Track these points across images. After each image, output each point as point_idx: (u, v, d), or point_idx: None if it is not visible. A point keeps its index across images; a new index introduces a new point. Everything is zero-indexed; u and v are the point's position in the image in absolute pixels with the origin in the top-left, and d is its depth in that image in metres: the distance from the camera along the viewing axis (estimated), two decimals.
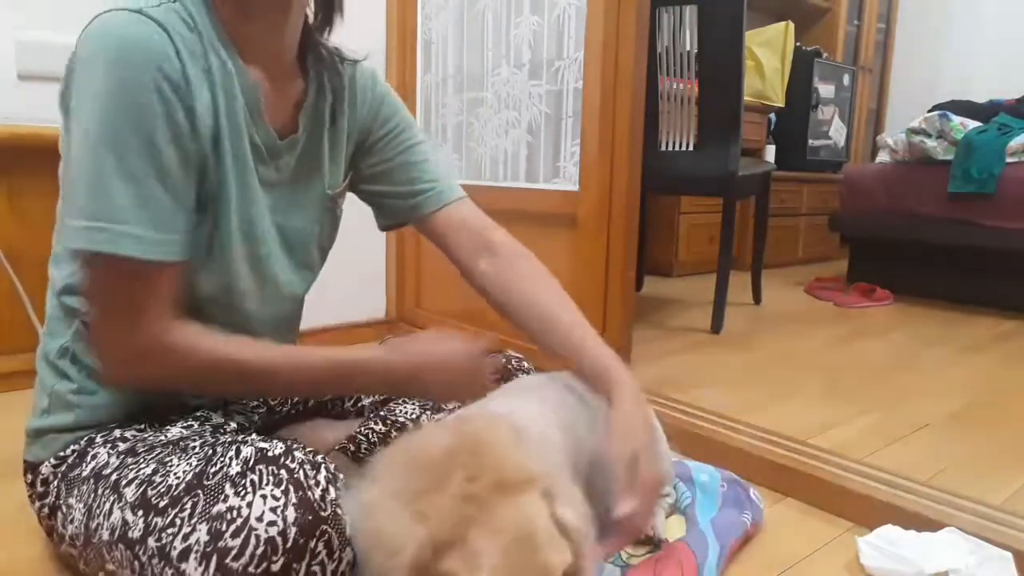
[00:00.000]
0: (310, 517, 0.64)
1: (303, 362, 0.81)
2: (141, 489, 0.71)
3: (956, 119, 2.77)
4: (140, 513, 0.69)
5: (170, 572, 0.64)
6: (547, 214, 1.68)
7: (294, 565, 0.63)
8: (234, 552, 0.62)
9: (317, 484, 0.66)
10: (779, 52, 3.40)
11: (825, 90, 3.89)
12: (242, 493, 0.65)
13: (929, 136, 2.82)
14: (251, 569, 0.61)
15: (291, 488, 0.65)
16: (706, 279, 2.56)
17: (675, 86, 2.15)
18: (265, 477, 0.66)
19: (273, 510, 0.63)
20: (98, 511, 0.73)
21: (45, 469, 0.82)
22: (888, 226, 2.94)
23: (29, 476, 0.84)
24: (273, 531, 0.62)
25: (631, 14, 1.45)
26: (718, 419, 1.37)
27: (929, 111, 2.89)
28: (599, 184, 1.53)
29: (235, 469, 0.68)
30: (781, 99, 3.51)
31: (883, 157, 3.09)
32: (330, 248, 1.01)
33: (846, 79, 4.05)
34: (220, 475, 0.68)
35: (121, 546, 0.69)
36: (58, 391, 0.83)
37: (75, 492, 0.77)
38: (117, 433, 0.81)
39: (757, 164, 2.55)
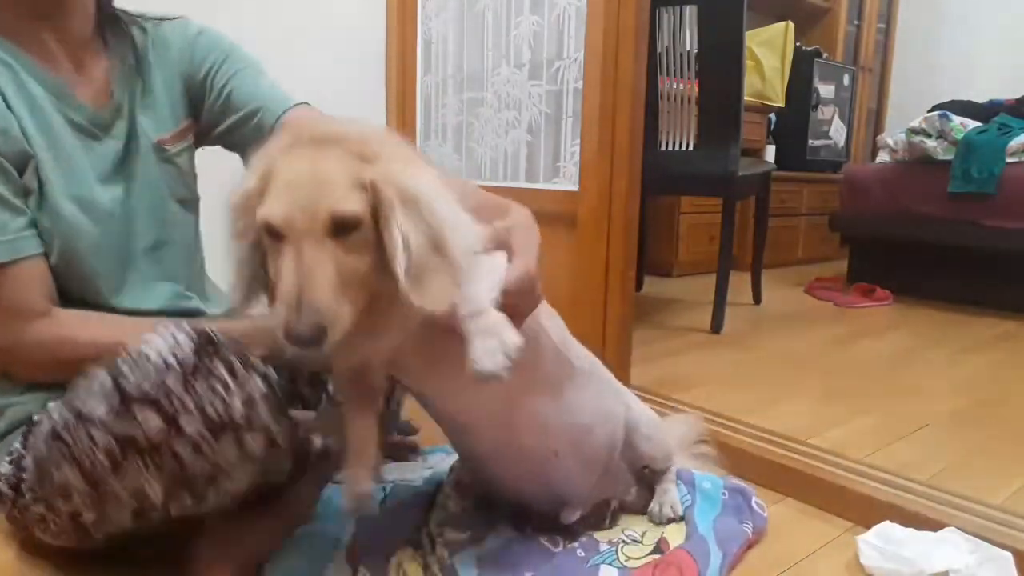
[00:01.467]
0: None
1: None
2: (114, 393, 0.73)
3: (956, 119, 2.77)
4: (137, 408, 0.72)
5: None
6: (547, 214, 1.66)
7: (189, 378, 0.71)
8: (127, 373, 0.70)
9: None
10: (779, 52, 3.40)
11: (825, 90, 3.89)
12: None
13: (929, 136, 2.82)
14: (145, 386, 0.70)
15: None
16: (706, 279, 2.56)
17: (675, 86, 2.15)
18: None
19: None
20: (81, 451, 0.73)
21: (4, 468, 0.82)
22: (888, 226, 2.94)
23: None
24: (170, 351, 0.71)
25: (631, 14, 1.45)
26: (718, 419, 1.37)
27: (929, 111, 2.89)
28: (599, 184, 1.53)
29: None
30: (781, 99, 3.51)
31: (883, 157, 3.09)
32: (193, 199, 1.04)
33: (846, 79, 4.05)
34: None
35: (133, 457, 0.71)
36: None
37: (42, 467, 0.78)
38: (51, 405, 0.82)
39: (757, 164, 2.56)
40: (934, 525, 1.01)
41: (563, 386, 0.90)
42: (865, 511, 1.09)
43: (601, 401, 0.97)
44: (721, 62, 2.09)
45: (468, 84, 1.91)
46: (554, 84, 1.66)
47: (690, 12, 2.07)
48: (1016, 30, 3.96)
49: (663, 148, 2.20)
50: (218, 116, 1.01)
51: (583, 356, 0.95)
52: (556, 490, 0.96)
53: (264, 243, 0.65)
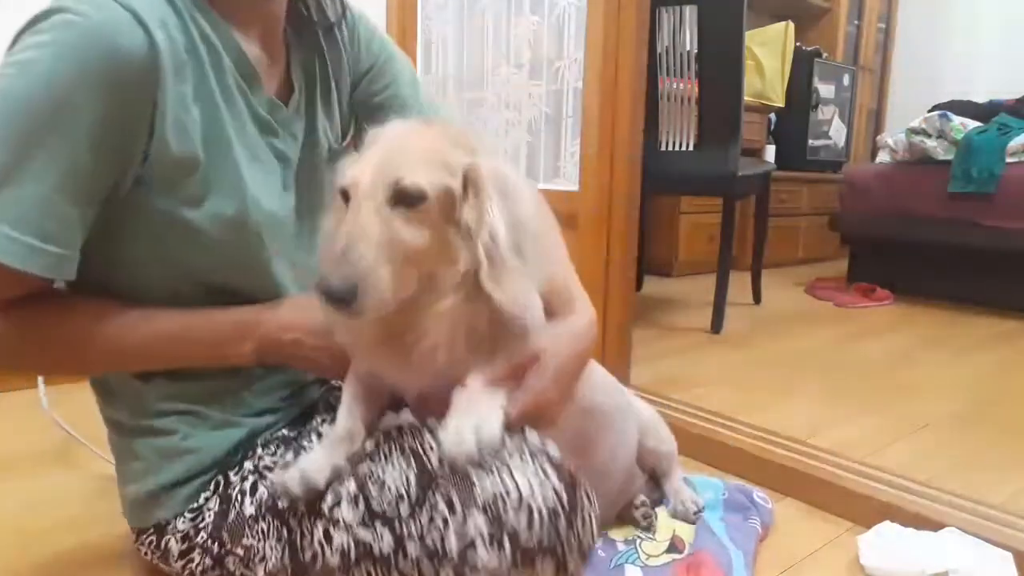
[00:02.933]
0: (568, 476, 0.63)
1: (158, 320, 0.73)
2: (360, 505, 0.67)
3: (956, 119, 2.77)
4: (378, 525, 0.65)
5: (450, 569, 0.61)
6: None
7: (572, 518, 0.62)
8: (523, 527, 0.60)
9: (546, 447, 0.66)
10: (779, 52, 3.40)
11: (825, 90, 3.89)
12: (496, 471, 0.62)
13: (929, 136, 2.82)
14: (543, 538, 0.60)
15: (532, 457, 0.63)
16: (706, 279, 2.57)
17: (675, 86, 2.15)
18: (508, 451, 0.63)
19: (537, 480, 0.62)
20: (307, 542, 0.70)
21: (182, 524, 0.78)
22: (888, 226, 2.94)
23: (151, 538, 0.80)
24: (551, 498, 0.61)
25: (631, 14, 1.45)
26: (718, 419, 1.37)
27: (929, 111, 2.90)
28: (599, 184, 1.53)
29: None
30: (781, 99, 3.51)
31: (883, 157, 3.09)
32: None
33: (846, 79, 4.05)
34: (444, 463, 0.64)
35: (366, 563, 0.66)
36: (160, 449, 0.78)
37: (248, 533, 0.75)
38: (248, 465, 0.78)
39: (757, 164, 2.56)
40: (934, 525, 1.01)
41: (588, 437, 0.88)
42: (866, 511, 1.09)
43: (621, 437, 0.95)
44: (721, 62, 2.09)
45: (468, 84, 1.91)
46: (554, 84, 1.66)
47: (690, 12, 2.07)
48: (1016, 30, 3.96)
49: (663, 148, 2.20)
50: (368, 113, 0.93)
51: (608, 391, 0.92)
52: None
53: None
